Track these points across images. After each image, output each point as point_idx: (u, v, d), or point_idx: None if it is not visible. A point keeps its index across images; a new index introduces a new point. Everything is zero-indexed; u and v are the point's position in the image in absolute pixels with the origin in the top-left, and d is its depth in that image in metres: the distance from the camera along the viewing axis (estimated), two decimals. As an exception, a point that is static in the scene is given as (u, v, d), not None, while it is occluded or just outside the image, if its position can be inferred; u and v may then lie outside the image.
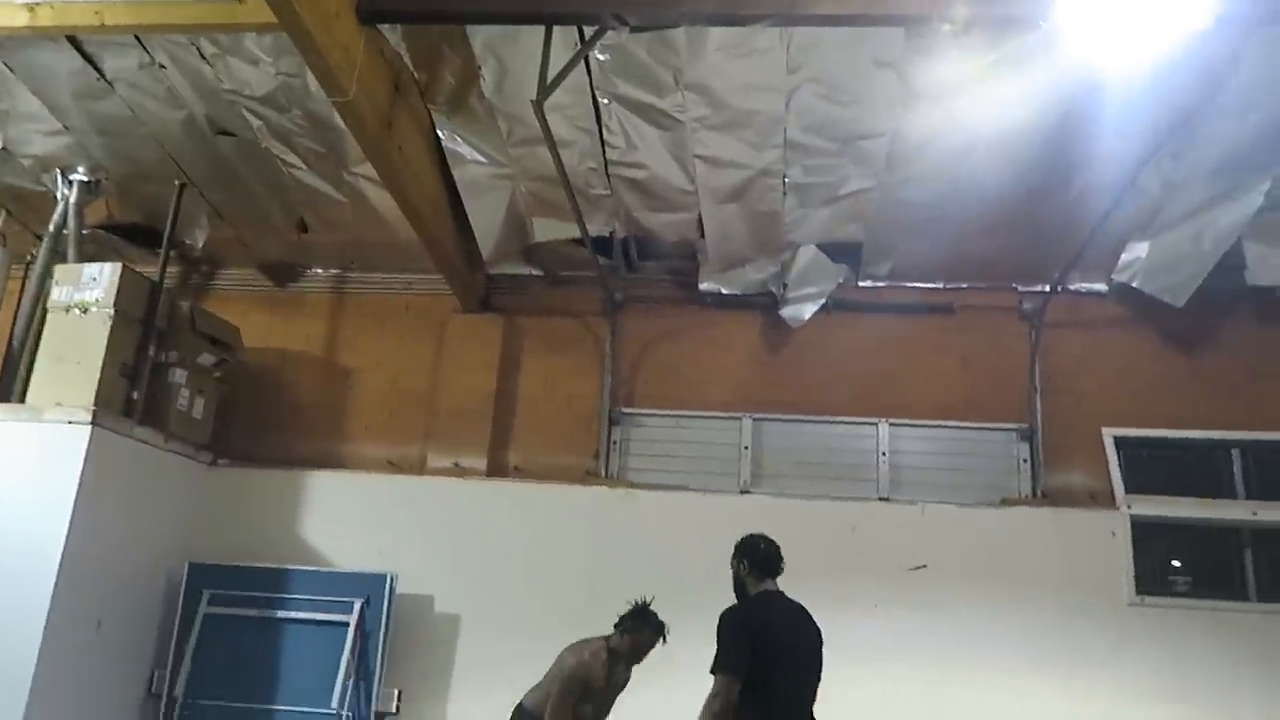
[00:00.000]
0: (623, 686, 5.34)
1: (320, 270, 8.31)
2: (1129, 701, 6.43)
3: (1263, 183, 6.24)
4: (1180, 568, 6.97)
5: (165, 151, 7.18)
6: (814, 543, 6.91)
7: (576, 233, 6.96)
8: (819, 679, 4.25)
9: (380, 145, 5.97)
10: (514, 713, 5.20)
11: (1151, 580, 6.82)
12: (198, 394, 7.21)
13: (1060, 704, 6.45)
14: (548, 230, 7.35)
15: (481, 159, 6.88)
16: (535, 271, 7.94)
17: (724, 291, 7.60)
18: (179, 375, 7.02)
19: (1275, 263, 6.84)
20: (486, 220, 7.31)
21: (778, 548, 4.45)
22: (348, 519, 7.32)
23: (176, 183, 7.23)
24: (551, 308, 7.95)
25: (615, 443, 7.62)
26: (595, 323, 7.87)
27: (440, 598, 7.03)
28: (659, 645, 5.20)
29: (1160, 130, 5.71)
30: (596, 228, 7.24)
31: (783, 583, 6.85)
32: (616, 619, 5.35)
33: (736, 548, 4.61)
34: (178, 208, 7.19)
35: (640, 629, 5.21)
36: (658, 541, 6.96)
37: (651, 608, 5.26)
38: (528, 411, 7.74)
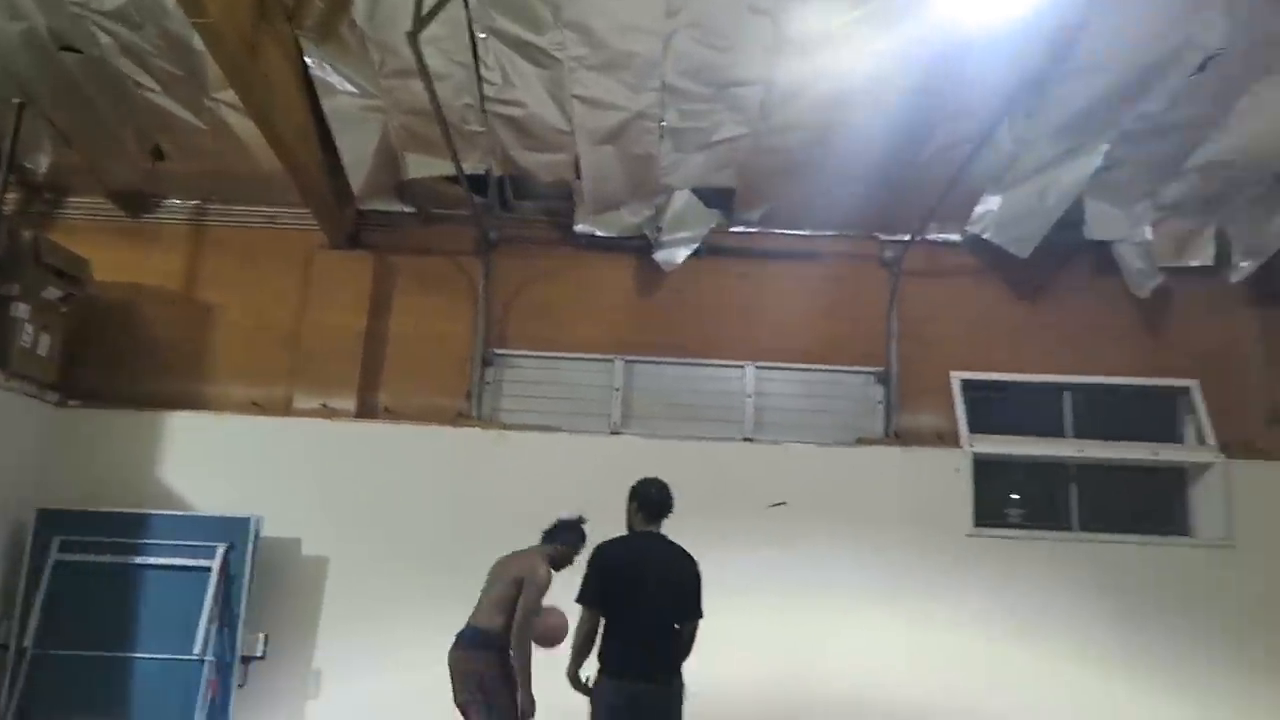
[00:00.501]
0: None
1: (179, 201, 7.88)
2: (967, 624, 6.98)
3: (1103, 144, 6.68)
4: (1015, 501, 7.57)
5: (2, 67, 6.63)
6: (683, 482, 7.06)
7: (451, 170, 6.85)
8: (683, 614, 4.43)
9: (243, 70, 5.68)
10: (464, 637, 5.16)
11: (989, 513, 7.39)
12: (43, 330, 6.79)
13: (905, 628, 6.95)
14: (421, 166, 7.19)
15: (352, 89, 6.64)
16: (408, 208, 7.76)
17: (599, 233, 7.64)
18: (21, 310, 6.58)
19: (1111, 219, 7.36)
20: (357, 154, 7.09)
21: (666, 493, 4.60)
22: (210, 461, 7.10)
23: (15, 101, 6.73)
24: (424, 246, 7.81)
25: (487, 384, 7.63)
26: (468, 262, 7.79)
27: (308, 540, 6.94)
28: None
29: (1014, 89, 6.01)
30: (471, 165, 7.13)
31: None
32: (543, 534, 5.49)
33: (629, 490, 4.78)
34: (17, 129, 6.72)
35: (576, 543, 5.35)
36: (529, 482, 7.04)
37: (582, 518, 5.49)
38: (398, 352, 7.64)
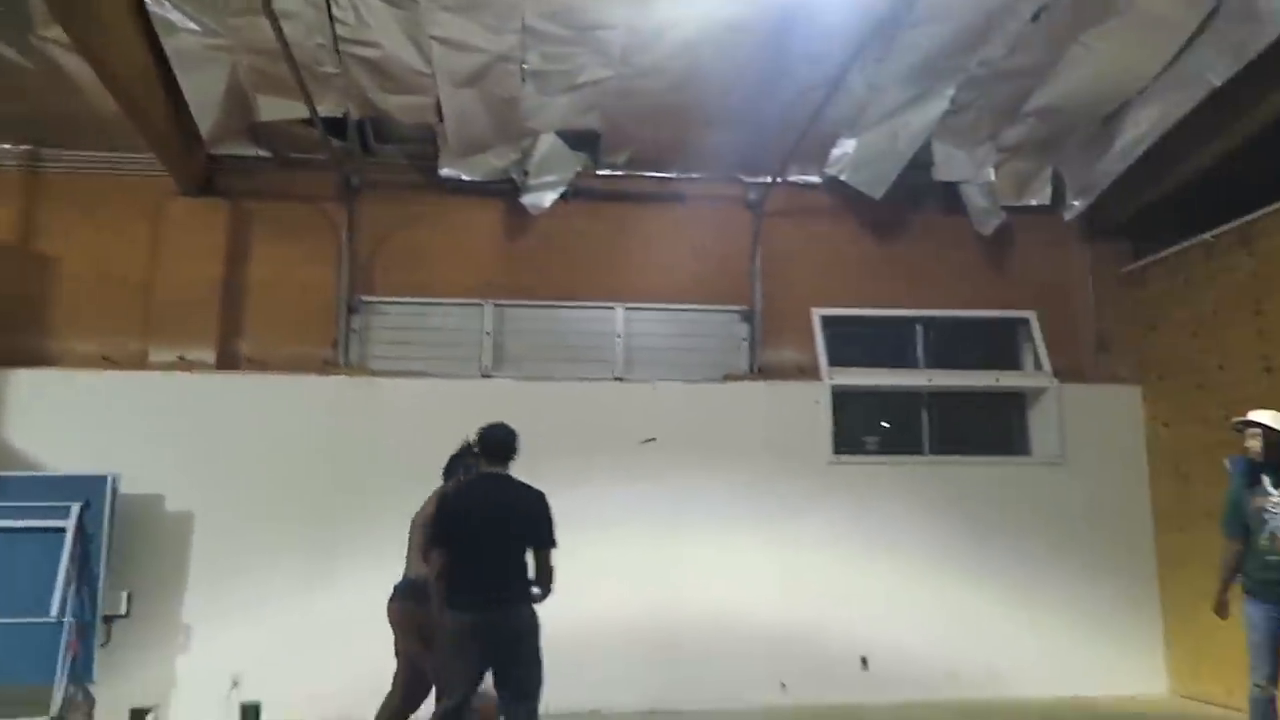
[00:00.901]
0: None
1: (9, 146, 7.38)
2: (827, 546, 7.42)
3: (948, 88, 7.00)
4: (872, 429, 8.01)
5: None
6: (555, 422, 7.28)
7: (306, 112, 6.64)
8: (521, 547, 4.52)
9: (72, 7, 5.35)
10: (398, 589, 5.06)
11: (848, 441, 7.80)
12: None
13: (771, 552, 7.33)
14: (274, 109, 6.94)
15: (195, 28, 6.33)
16: (263, 153, 7.49)
17: (465, 178, 7.57)
18: None
19: (957, 161, 7.76)
20: (204, 95, 6.78)
21: (505, 435, 4.66)
22: (60, 419, 6.79)
23: None
24: (282, 191, 7.57)
25: (354, 331, 7.53)
26: (330, 208, 7.60)
27: (171, 496, 6.77)
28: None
29: (864, 35, 6.22)
30: (328, 108, 6.93)
31: (530, 461, 7.23)
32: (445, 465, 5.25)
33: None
34: None
35: (471, 469, 5.05)
36: (400, 428, 7.04)
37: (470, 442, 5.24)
38: (260, 301, 7.43)
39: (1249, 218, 6.95)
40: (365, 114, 7.19)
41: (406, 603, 4.95)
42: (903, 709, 7.04)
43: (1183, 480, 7.55)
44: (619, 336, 7.76)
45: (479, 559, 4.34)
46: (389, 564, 5.17)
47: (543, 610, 6.80)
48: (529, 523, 4.47)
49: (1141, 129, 7.26)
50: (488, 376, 7.49)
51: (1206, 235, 7.34)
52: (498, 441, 4.62)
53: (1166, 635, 7.66)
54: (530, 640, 4.37)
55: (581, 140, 7.56)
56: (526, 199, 7.52)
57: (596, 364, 7.69)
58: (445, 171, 7.53)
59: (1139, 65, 6.82)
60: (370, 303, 7.58)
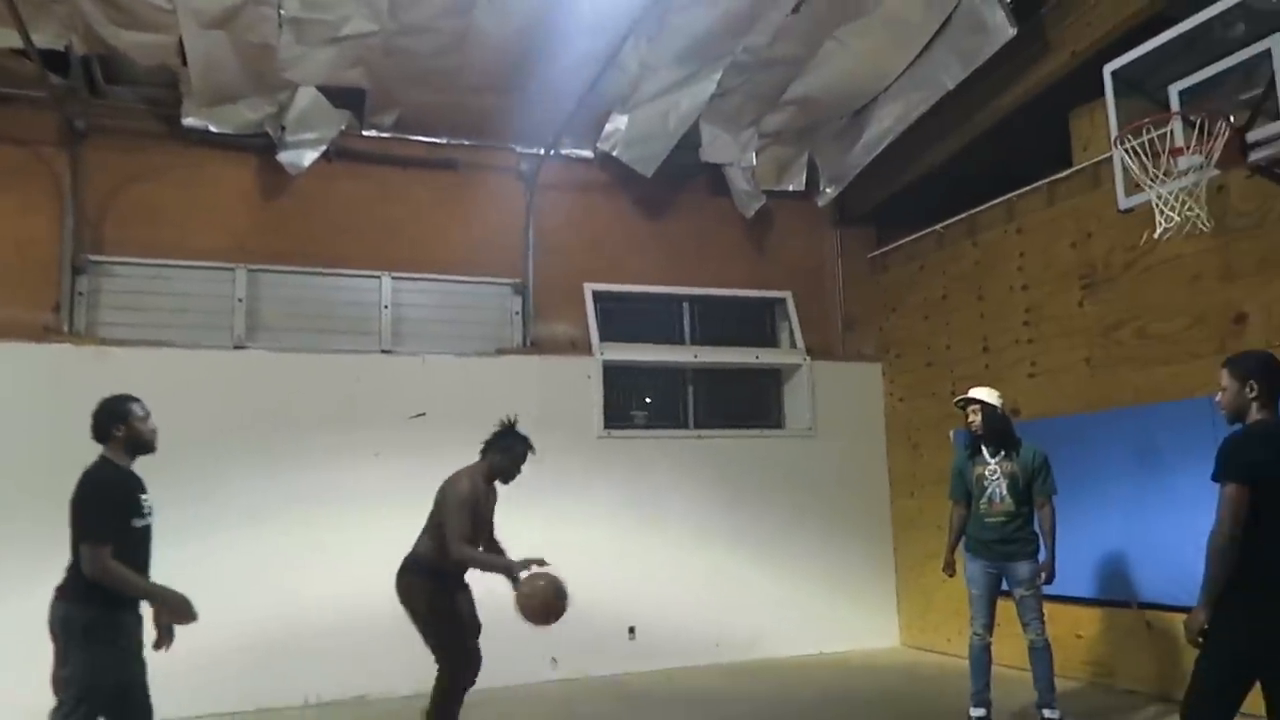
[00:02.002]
0: (494, 505, 5.29)
1: None
2: (598, 520, 7.49)
3: (715, 72, 7.22)
4: (639, 404, 8.17)
5: None
6: (315, 396, 6.88)
7: (18, 41, 5.81)
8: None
9: None
10: (407, 566, 5.00)
11: (618, 415, 7.92)
12: None
13: (541, 526, 7.23)
14: (-22, 34, 6.03)
15: None
16: (-37, 86, 6.51)
17: (213, 129, 6.94)
18: None
19: (722, 144, 8.04)
20: (-116, 12, 5.77)
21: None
22: None
23: None
24: (-10, 132, 6.62)
25: (81, 294, 6.72)
26: (51, 154, 6.73)
27: None
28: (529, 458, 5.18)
29: (637, 12, 6.27)
30: (47, 39, 6.13)
31: (289, 435, 6.80)
32: (484, 443, 5.17)
33: None
34: None
35: (514, 445, 5.12)
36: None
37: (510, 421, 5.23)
38: (-40, 256, 6.46)
39: (973, 211, 7.71)
40: (93, 49, 6.42)
41: (405, 578, 4.97)
42: (668, 676, 7.25)
43: (914, 450, 8.28)
44: (386, 307, 7.43)
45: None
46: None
47: (306, 592, 6.51)
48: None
49: (885, 124, 7.82)
50: (241, 348, 6.93)
51: (938, 227, 8.07)
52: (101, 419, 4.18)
53: (899, 591, 8.39)
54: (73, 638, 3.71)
55: (346, 98, 7.14)
56: (283, 156, 7.01)
57: (362, 336, 7.32)
58: (189, 121, 6.86)
59: (885, 63, 7.36)
60: (100, 263, 6.78)
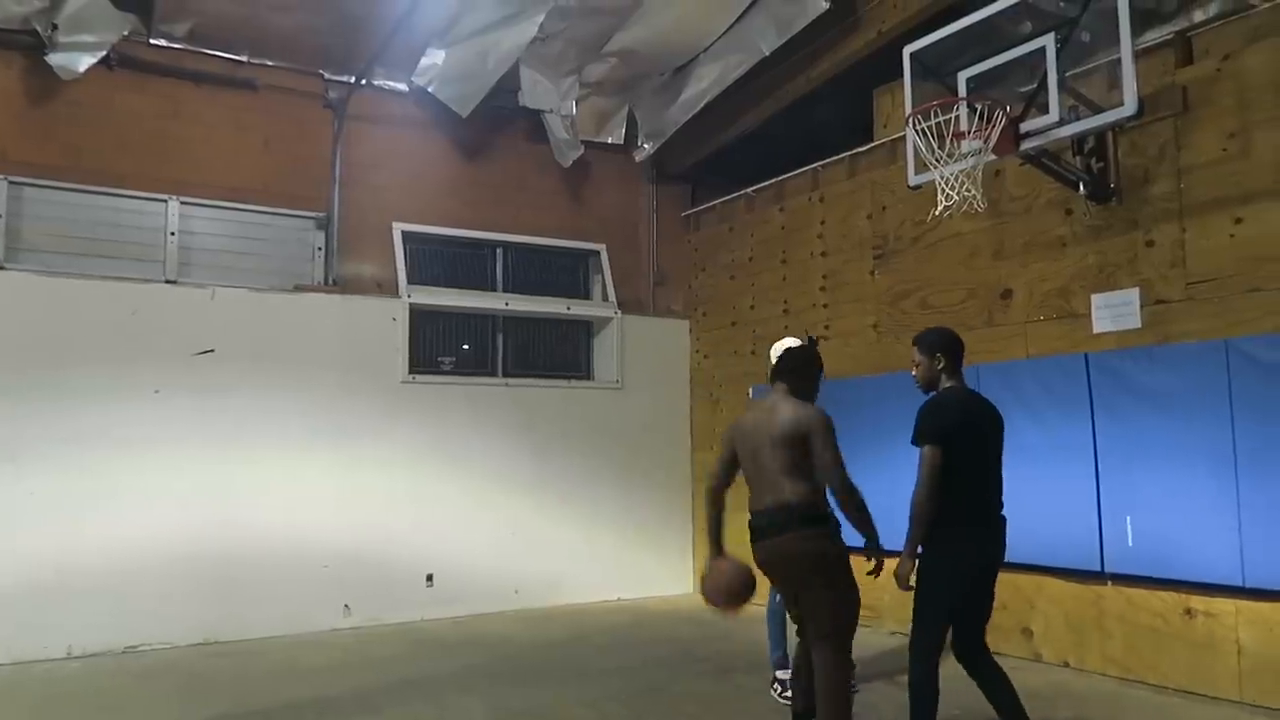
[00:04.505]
0: None
1: None
2: (398, 465, 7.35)
3: (539, 14, 7.08)
4: (447, 350, 8.02)
5: None
6: (86, 326, 6.34)
7: None
8: None
9: None
10: (797, 523, 3.68)
11: (424, 360, 7.75)
12: None
13: (339, 472, 7.08)
14: None
15: None
16: None
17: (-32, 20, 6.17)
18: None
19: (543, 90, 7.92)
20: None
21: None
22: None
23: None
24: None
25: None
26: None
27: None
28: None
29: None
30: None
31: (55, 368, 6.25)
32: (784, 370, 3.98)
33: None
34: None
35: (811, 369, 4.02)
36: None
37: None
38: None
39: (782, 178, 7.99)
40: None
41: (831, 540, 3.76)
42: (464, 622, 7.26)
43: (715, 405, 8.59)
44: (172, 234, 6.89)
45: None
46: None
47: (72, 538, 6.03)
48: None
49: (703, 85, 7.95)
50: (1, 269, 6.25)
51: (749, 190, 8.32)
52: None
53: (695, 541, 8.73)
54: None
55: (132, 1, 6.50)
56: (54, 59, 6.32)
57: (143, 264, 6.77)
58: (-61, 9, 6.07)
59: (707, 23, 7.46)
60: None
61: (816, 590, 3.71)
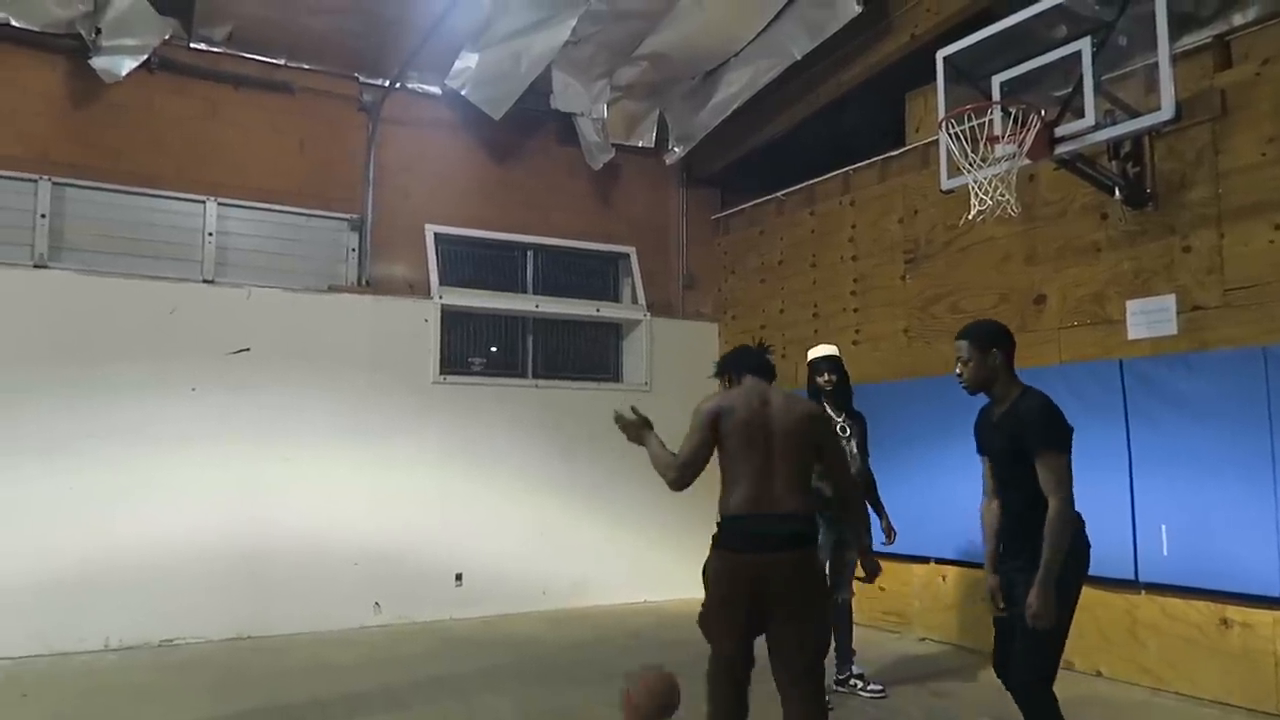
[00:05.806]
0: None
1: None
2: (428, 465, 7.40)
3: (571, 18, 7.12)
4: (478, 351, 8.09)
5: None
6: (125, 324, 6.46)
7: None
8: None
9: None
10: (805, 533, 3.34)
11: (455, 361, 7.81)
12: None
13: (370, 471, 7.15)
14: None
15: None
16: None
17: (15, 23, 6.29)
18: None
19: (574, 93, 7.97)
20: None
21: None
22: None
23: None
24: None
25: None
26: None
27: None
28: None
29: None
30: None
31: (94, 365, 6.36)
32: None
33: None
34: None
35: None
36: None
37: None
38: None
39: (812, 182, 7.98)
40: None
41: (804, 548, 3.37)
42: (492, 621, 7.30)
43: (745, 407, 8.56)
44: (210, 235, 7.00)
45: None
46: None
47: (110, 532, 6.15)
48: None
49: (734, 89, 7.96)
50: (42, 267, 6.37)
51: (779, 194, 8.31)
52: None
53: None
54: None
55: (173, 5, 6.62)
56: (97, 62, 6.44)
57: (182, 263, 6.88)
58: (-12, 13, 6.21)
59: (738, 27, 7.47)
60: (-127, 164, 6.08)
61: (814, 618, 3.30)
